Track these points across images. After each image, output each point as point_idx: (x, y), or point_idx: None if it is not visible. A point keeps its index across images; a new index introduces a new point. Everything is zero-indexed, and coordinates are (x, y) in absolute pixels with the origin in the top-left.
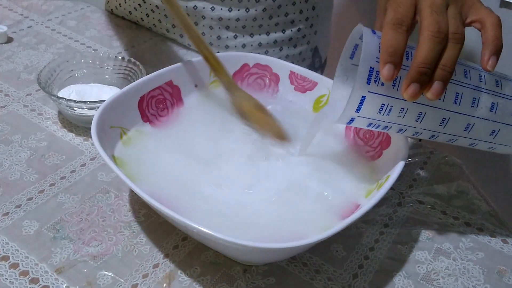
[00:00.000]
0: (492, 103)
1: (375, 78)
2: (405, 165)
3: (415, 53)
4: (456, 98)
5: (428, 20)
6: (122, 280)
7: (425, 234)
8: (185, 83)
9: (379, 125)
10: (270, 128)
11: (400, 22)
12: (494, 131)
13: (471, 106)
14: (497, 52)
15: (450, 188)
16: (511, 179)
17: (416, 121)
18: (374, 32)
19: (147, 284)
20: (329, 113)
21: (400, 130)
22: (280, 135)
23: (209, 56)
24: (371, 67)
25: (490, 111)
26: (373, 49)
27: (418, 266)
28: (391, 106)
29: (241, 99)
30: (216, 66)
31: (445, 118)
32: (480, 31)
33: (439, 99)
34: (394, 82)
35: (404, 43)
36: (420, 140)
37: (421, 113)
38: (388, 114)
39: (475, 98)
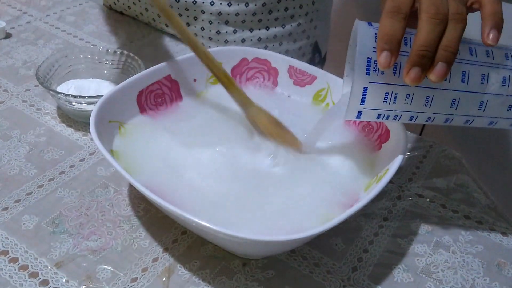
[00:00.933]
0: (504, 77)
1: (374, 68)
2: (405, 159)
3: (415, 37)
4: (463, 76)
5: (426, 3)
6: (122, 274)
7: (425, 227)
8: (184, 78)
9: (388, 115)
10: (285, 141)
11: (397, 10)
12: (511, 106)
13: (481, 83)
14: (496, 25)
15: (450, 181)
16: (510, 172)
17: (425, 105)
18: (370, 24)
19: (146, 277)
20: (339, 110)
21: (412, 117)
22: (296, 145)
23: (220, 73)
24: (368, 58)
25: (503, 85)
26: (369, 40)
27: (418, 259)
28: (396, 94)
29: (255, 114)
30: (227, 83)
31: (455, 99)
32: (480, 11)
33: (445, 80)
34: (395, 69)
35: (401, 30)
36: (420, 134)
37: (429, 96)
38: (394, 102)
39: (484, 74)
